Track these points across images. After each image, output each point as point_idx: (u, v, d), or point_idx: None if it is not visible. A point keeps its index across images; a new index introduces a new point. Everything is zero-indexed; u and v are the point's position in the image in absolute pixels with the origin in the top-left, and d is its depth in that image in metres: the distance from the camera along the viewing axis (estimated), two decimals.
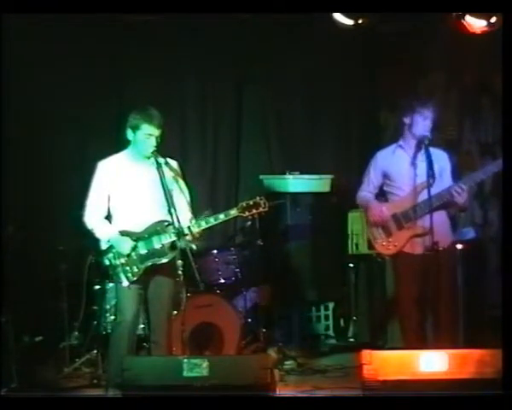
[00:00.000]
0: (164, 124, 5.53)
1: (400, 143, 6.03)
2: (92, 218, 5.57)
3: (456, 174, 5.99)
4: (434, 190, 5.77)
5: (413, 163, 5.91)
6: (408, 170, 5.93)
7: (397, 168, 6.00)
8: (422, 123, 5.87)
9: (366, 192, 6.15)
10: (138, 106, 5.60)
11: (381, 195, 6.14)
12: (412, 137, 5.93)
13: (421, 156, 5.83)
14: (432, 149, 5.84)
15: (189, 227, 5.44)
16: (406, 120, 5.94)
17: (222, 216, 5.51)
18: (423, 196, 5.83)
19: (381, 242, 6.03)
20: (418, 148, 5.89)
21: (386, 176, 6.07)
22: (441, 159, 5.96)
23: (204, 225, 5.49)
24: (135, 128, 5.49)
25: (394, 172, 6.02)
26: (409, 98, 6.06)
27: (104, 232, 5.54)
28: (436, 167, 5.80)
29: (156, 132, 5.46)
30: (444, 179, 5.93)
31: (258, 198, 5.53)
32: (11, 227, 6.47)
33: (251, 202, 5.50)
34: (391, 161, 6.04)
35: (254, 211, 5.50)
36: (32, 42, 7.17)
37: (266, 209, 5.53)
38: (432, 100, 6.10)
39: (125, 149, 5.63)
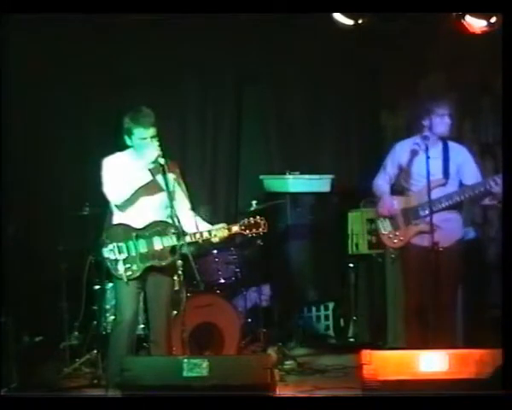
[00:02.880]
0: (159, 122, 5.51)
1: (418, 140, 6.03)
2: (115, 199, 5.53)
3: (476, 167, 6.02)
4: (448, 190, 5.86)
5: (428, 162, 5.89)
6: (423, 168, 5.93)
7: (413, 165, 6.03)
8: (440, 122, 5.93)
9: (382, 181, 6.19)
10: (136, 107, 5.58)
11: (398, 187, 6.18)
12: (429, 135, 5.93)
13: (438, 155, 5.88)
14: (450, 145, 5.94)
15: (194, 235, 5.50)
16: (424, 120, 5.96)
17: (226, 232, 5.58)
18: (436, 194, 5.86)
19: (388, 234, 6.10)
20: (435, 146, 5.92)
21: (402, 170, 6.11)
22: (459, 154, 6.00)
23: (207, 236, 5.55)
24: (129, 134, 5.51)
25: (410, 169, 6.05)
26: (425, 97, 6.09)
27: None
28: (452, 165, 5.88)
29: (149, 134, 5.46)
30: (461, 175, 5.97)
31: (258, 218, 5.66)
32: (11, 227, 6.47)
33: (252, 221, 5.63)
34: (408, 156, 6.07)
35: (254, 230, 5.64)
36: (32, 42, 7.17)
37: (266, 231, 5.69)
38: (448, 99, 6.11)
39: (128, 148, 5.64)
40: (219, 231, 5.58)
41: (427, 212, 5.91)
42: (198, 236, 5.52)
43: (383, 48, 7.66)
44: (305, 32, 7.52)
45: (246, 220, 5.63)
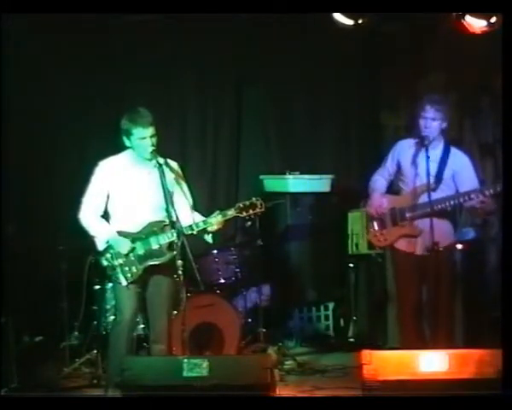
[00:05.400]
0: (157, 121, 5.50)
1: (416, 140, 6.01)
2: (87, 215, 5.56)
3: (475, 177, 5.96)
4: (438, 194, 5.78)
5: (422, 163, 5.87)
6: (416, 168, 5.92)
7: (408, 164, 6.01)
8: (431, 124, 5.85)
9: (379, 177, 6.17)
10: (134, 108, 5.57)
11: (394, 186, 6.16)
12: (424, 136, 5.89)
13: (435, 158, 5.83)
14: (452, 150, 5.88)
15: (190, 227, 5.46)
16: (417, 121, 5.92)
17: (220, 217, 5.52)
18: (424, 198, 5.83)
19: (374, 232, 6.09)
20: (434, 149, 5.86)
21: (399, 168, 6.09)
22: (458, 161, 5.92)
23: (202, 225, 5.51)
24: (127, 134, 5.49)
25: (405, 168, 6.04)
26: (418, 99, 6.06)
27: (99, 231, 5.55)
28: (448, 171, 5.81)
29: (148, 133, 5.43)
30: (457, 182, 5.90)
31: (254, 199, 5.57)
32: (11, 227, 6.47)
33: (247, 203, 5.55)
34: (406, 155, 6.04)
35: (251, 211, 5.56)
36: (32, 42, 7.17)
37: (263, 210, 5.59)
38: (441, 100, 6.06)
39: (126, 149, 5.63)
40: (214, 218, 5.51)
41: (413, 214, 5.90)
42: (194, 227, 5.47)
43: (383, 48, 7.66)
44: (305, 32, 7.52)
45: (241, 203, 5.56)
